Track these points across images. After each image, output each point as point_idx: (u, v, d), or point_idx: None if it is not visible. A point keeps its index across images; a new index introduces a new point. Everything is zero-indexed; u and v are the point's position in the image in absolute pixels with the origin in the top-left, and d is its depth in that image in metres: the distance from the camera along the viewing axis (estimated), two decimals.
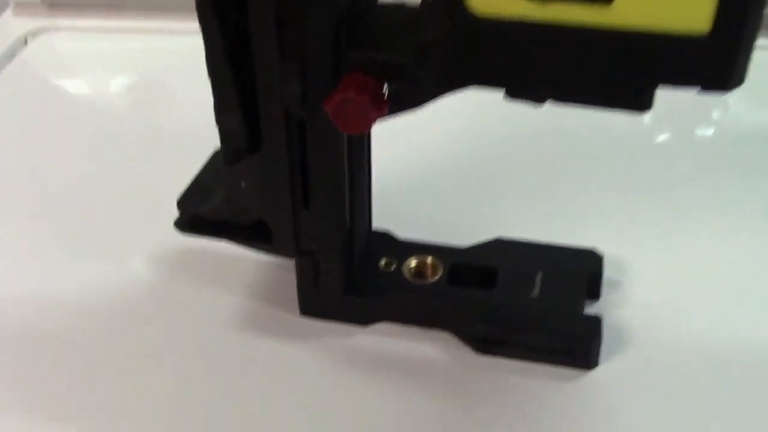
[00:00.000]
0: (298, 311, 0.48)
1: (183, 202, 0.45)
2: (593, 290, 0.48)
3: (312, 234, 0.43)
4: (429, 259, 0.48)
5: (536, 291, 0.46)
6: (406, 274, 0.48)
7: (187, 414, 0.42)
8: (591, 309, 0.46)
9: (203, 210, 0.45)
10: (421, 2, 0.35)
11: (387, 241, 0.50)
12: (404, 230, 0.51)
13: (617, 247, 0.50)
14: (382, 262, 0.48)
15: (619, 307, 0.48)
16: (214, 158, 0.47)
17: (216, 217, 0.45)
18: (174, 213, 0.46)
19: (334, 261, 0.44)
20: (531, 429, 0.41)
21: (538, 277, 0.47)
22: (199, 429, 0.42)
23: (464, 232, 0.51)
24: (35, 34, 0.78)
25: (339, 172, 0.41)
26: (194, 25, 0.37)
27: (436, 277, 0.47)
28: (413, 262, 0.48)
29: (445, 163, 0.61)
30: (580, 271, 0.47)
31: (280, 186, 0.42)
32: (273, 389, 0.44)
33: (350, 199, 0.44)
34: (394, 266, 0.48)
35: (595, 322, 0.44)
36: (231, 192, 0.43)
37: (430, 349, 0.46)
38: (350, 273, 0.46)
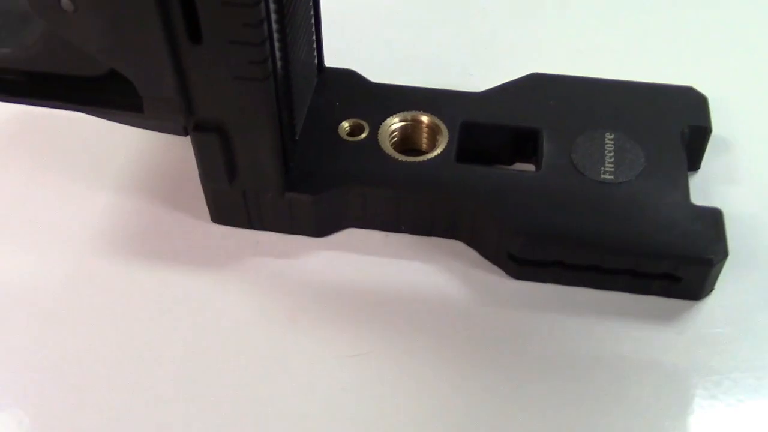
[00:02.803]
0: (209, 217, 0.29)
1: None
2: (692, 157, 0.29)
3: (212, 87, 0.24)
4: (424, 118, 0.29)
5: (607, 165, 0.27)
6: (386, 145, 0.28)
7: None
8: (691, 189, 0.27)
9: (8, 55, 0.24)
10: None
11: (351, 89, 0.30)
12: (378, 73, 0.30)
13: (709, 89, 0.30)
14: (345, 125, 0.29)
15: (731, 184, 0.30)
16: None
17: (31, 66, 0.24)
18: None
19: (259, 133, 0.25)
20: (604, 398, 0.24)
21: (608, 139, 0.28)
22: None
23: (474, 71, 0.31)
24: None
25: None
26: None
27: (438, 150, 0.28)
28: (397, 124, 0.29)
29: None
30: (675, 126, 0.28)
31: (138, 1, 0.21)
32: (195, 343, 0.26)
33: (278, 17, 0.23)
34: (364, 132, 0.28)
35: (715, 221, 0.26)
36: (47, 18, 0.22)
37: (431, 272, 0.27)
38: (289, 151, 0.27)
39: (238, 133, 0.25)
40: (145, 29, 0.22)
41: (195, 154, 0.26)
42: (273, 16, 0.23)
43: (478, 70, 0.33)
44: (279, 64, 0.24)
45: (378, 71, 0.30)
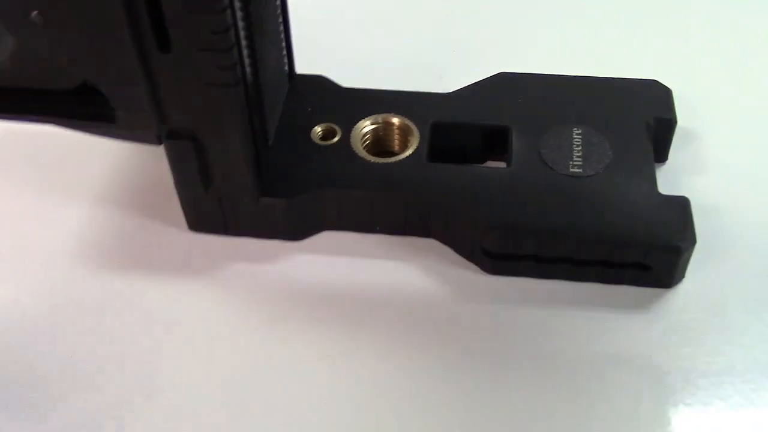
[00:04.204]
0: (185, 225, 0.29)
1: None
2: (658, 149, 0.30)
3: (183, 96, 0.24)
4: (395, 120, 0.29)
5: (575, 159, 0.28)
6: (358, 148, 0.29)
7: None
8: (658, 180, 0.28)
9: None
10: None
11: (322, 94, 0.30)
12: (348, 78, 0.31)
13: (673, 81, 0.31)
14: (317, 130, 0.29)
15: (698, 174, 0.30)
16: None
17: (1, 82, 0.24)
18: None
19: (231, 139, 0.25)
20: (580, 387, 0.25)
21: (576, 134, 0.28)
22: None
23: (442, 72, 0.32)
24: None
25: None
26: None
27: (410, 150, 0.28)
28: (368, 127, 0.29)
29: None
30: (640, 118, 0.29)
31: (106, 11, 0.22)
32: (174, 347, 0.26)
33: (245, 24, 0.24)
34: (337, 136, 0.29)
35: (682, 210, 0.26)
36: (15, 32, 0.23)
37: (406, 270, 0.28)
38: (263, 157, 0.27)
39: (211, 140, 0.25)
40: (114, 39, 0.22)
41: (169, 163, 0.26)
42: (240, 23, 0.23)
43: (447, 72, 0.33)
44: (248, 70, 0.24)
45: (348, 76, 0.31)
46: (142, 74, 0.23)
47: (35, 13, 0.22)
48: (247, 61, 0.24)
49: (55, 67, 0.24)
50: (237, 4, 0.22)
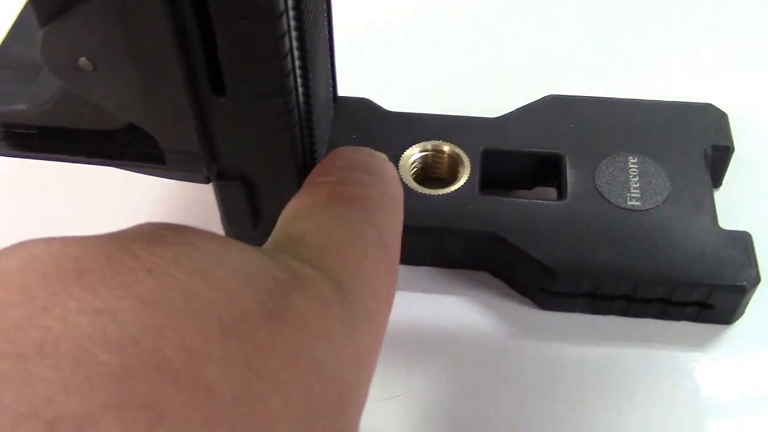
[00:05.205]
0: None
1: None
2: (714, 175, 0.29)
3: (236, 139, 0.23)
4: (445, 147, 0.28)
5: (633, 191, 0.27)
6: (407, 177, 0.28)
7: None
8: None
9: (23, 112, 0.23)
10: None
11: (367, 119, 0.29)
12: (393, 101, 0.30)
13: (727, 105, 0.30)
14: None
15: (756, 203, 0.29)
16: (26, 15, 0.25)
17: (48, 122, 0.23)
18: None
19: (283, 179, 0.24)
20: (639, 426, 0.24)
21: (632, 163, 0.28)
22: None
23: (489, 96, 0.31)
24: None
25: (275, 16, 0.20)
26: None
27: (461, 181, 0.28)
28: (417, 155, 0.28)
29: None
30: (698, 146, 0.28)
31: (159, 57, 0.21)
32: None
33: (301, 65, 0.23)
34: None
35: (745, 246, 0.26)
36: (64, 77, 0.22)
37: (459, 304, 0.27)
38: None
39: (261, 180, 0.24)
40: (168, 85, 0.21)
41: (217, 202, 0.25)
42: (297, 63, 0.22)
43: (493, 95, 0.32)
44: (302, 108, 0.23)
45: (389, 99, 0.30)
46: (195, 118, 0.22)
47: (83, 59, 0.21)
48: (301, 99, 0.23)
49: (101, 109, 0.23)
50: (295, 46, 0.21)
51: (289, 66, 0.21)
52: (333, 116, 0.29)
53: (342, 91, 0.30)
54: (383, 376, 0.25)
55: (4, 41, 0.24)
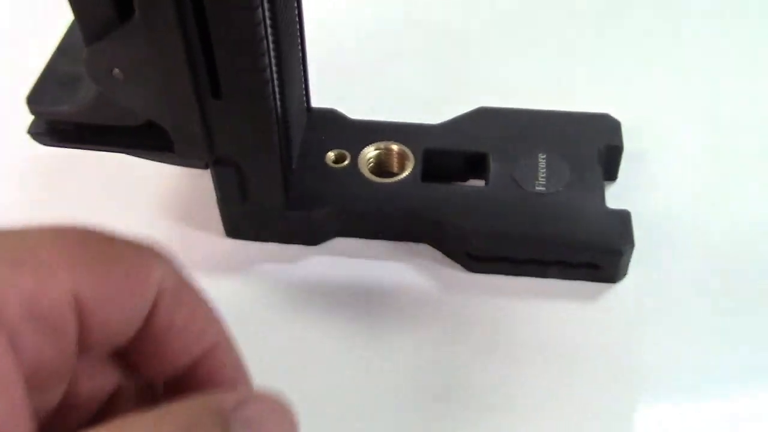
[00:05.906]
0: (223, 232, 0.35)
1: (36, 100, 0.31)
2: (610, 169, 0.36)
3: (229, 132, 0.30)
4: (394, 147, 0.36)
5: (540, 179, 0.34)
6: (364, 170, 0.35)
7: None
8: (608, 196, 0.35)
9: (65, 111, 0.30)
10: None
11: (334, 125, 0.37)
12: (355, 110, 0.37)
13: (624, 113, 0.37)
14: (330, 155, 0.35)
15: (643, 190, 0.37)
16: (71, 34, 0.32)
17: (85, 120, 0.31)
18: (26, 116, 0.31)
19: (265, 165, 0.31)
20: (543, 363, 0.31)
21: (541, 158, 0.35)
22: None
23: (433, 105, 0.38)
24: None
25: (257, 40, 0.27)
26: None
27: (406, 172, 0.35)
28: (372, 152, 0.36)
29: (398, 20, 0.47)
30: (593, 145, 0.35)
31: (174, 69, 0.28)
32: None
33: (278, 77, 0.30)
34: (347, 160, 0.35)
35: (624, 220, 0.33)
36: (102, 84, 0.29)
37: (404, 269, 0.34)
38: (288, 178, 0.34)
39: (249, 166, 0.32)
40: (180, 90, 0.28)
41: (214, 183, 0.32)
42: (275, 76, 0.29)
43: (435, 106, 0.40)
44: (280, 111, 0.31)
45: (352, 109, 0.37)
46: (199, 117, 0.29)
47: (117, 70, 0.28)
48: (278, 104, 0.30)
49: (126, 109, 0.30)
50: (272, 59, 0.29)
51: (268, 75, 0.28)
52: (306, 122, 0.36)
53: (314, 103, 0.37)
54: (342, 320, 0.33)
55: (51, 58, 0.32)
